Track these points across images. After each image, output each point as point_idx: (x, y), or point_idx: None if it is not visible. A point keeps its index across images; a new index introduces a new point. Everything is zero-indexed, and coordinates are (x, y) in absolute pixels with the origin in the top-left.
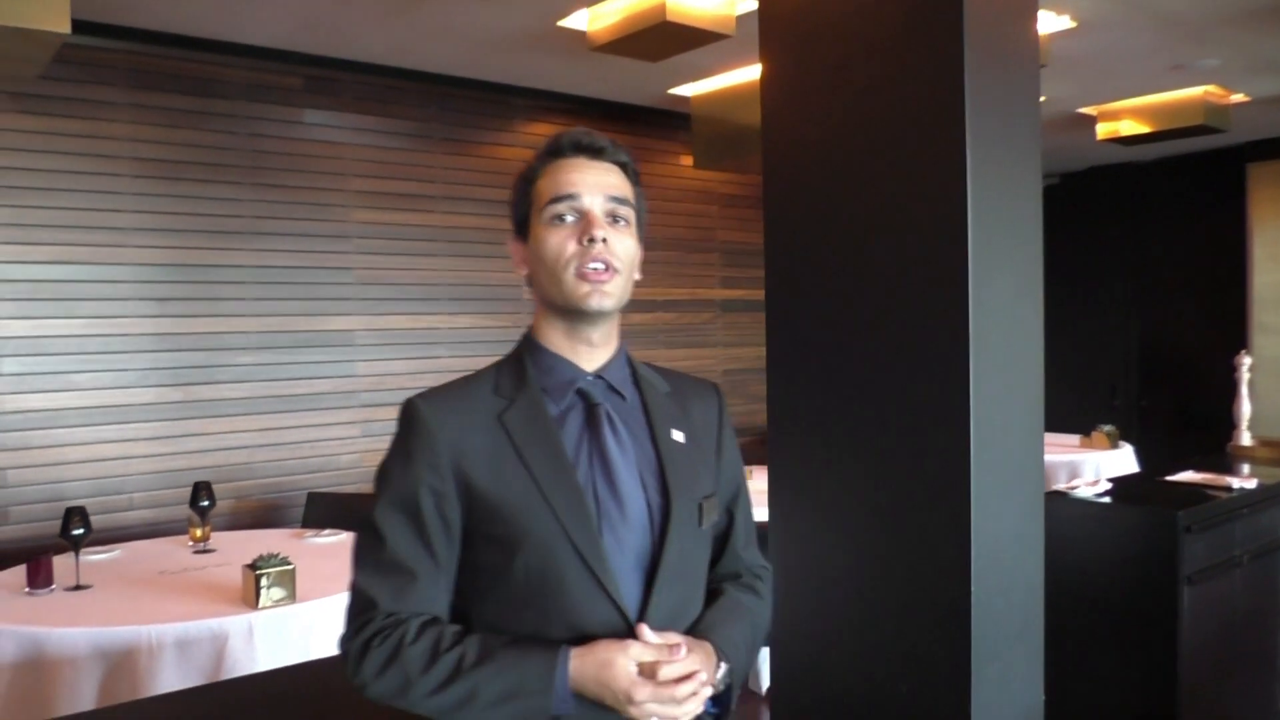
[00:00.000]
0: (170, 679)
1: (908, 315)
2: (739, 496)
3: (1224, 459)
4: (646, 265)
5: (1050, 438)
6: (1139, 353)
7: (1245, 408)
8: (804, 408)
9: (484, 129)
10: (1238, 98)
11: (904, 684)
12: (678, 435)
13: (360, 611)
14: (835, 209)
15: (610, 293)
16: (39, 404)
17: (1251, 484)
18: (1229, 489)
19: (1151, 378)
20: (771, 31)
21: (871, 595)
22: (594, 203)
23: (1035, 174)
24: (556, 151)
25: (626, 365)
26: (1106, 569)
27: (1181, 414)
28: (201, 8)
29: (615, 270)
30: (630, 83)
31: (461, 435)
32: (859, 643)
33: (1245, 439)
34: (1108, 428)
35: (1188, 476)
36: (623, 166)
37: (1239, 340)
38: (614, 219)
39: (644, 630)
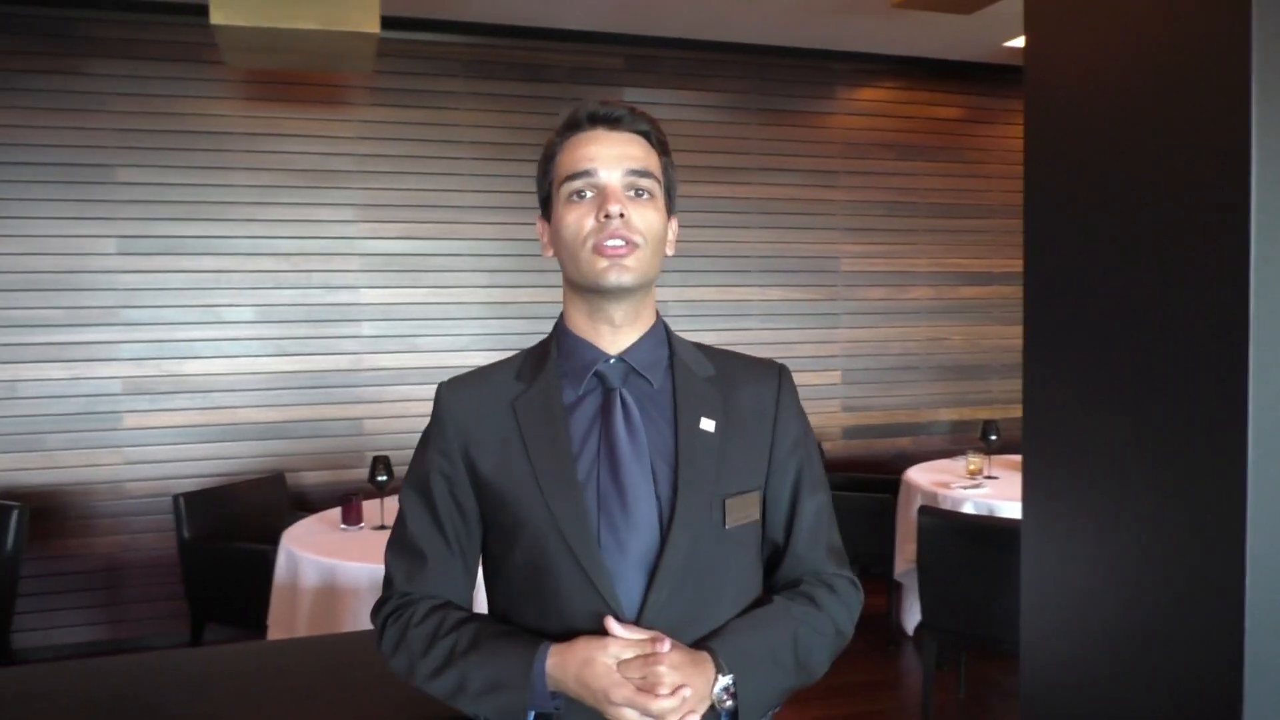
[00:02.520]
0: None
1: (1179, 301)
2: (802, 492)
3: None
4: (982, 236)
5: None
6: None
7: None
8: (1062, 401)
9: (803, 97)
10: None
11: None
12: (707, 424)
13: (385, 587)
14: (1103, 179)
15: (630, 268)
16: (389, 363)
17: None
18: None
19: None
20: None
21: (1129, 617)
22: (611, 177)
23: None
24: (574, 125)
25: (662, 346)
26: None
27: None
28: None
29: (635, 245)
30: (959, 38)
31: (474, 421)
32: (1114, 669)
33: None
34: None
35: None
36: (644, 135)
37: None
38: (635, 191)
39: (612, 623)
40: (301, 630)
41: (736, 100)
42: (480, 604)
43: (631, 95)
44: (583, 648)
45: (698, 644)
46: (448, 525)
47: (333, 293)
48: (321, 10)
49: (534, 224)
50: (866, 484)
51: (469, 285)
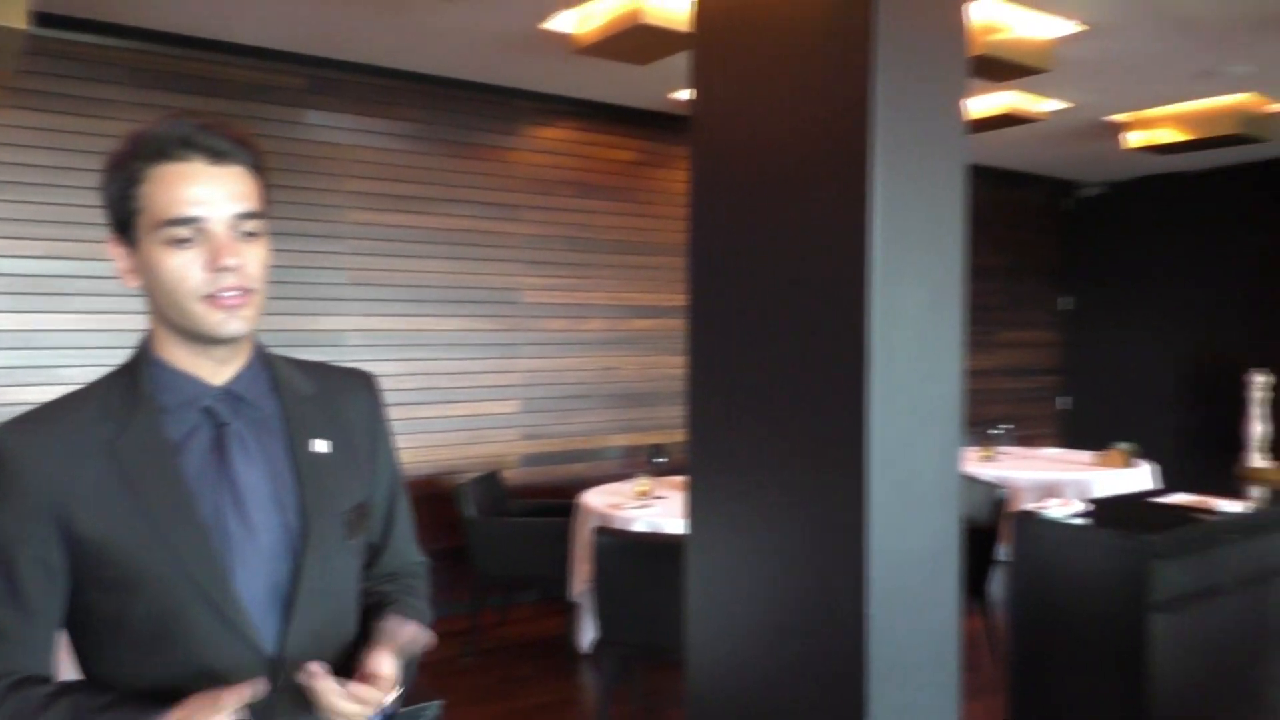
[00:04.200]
0: None
1: (812, 329)
2: (398, 493)
3: (1231, 481)
4: (653, 272)
5: (1061, 453)
6: (1186, 367)
7: (1256, 429)
8: (719, 426)
9: (488, 131)
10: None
11: (803, 706)
12: (321, 445)
13: None
14: (752, 221)
15: (248, 317)
16: (29, 396)
17: (1243, 508)
18: (1215, 513)
19: (1198, 393)
20: (705, 34)
21: (776, 613)
22: (221, 224)
23: (957, 186)
24: (164, 153)
25: (264, 369)
26: (1076, 594)
27: (1223, 432)
28: (204, 8)
29: (252, 292)
30: (634, 87)
31: (61, 471)
32: (764, 662)
33: (1256, 460)
34: (1124, 445)
35: (1178, 499)
36: (248, 166)
37: None
38: (245, 234)
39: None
40: None
41: (421, 130)
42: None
43: (313, 118)
44: (195, 709)
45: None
46: (32, 591)
47: None
48: None
49: None
50: (544, 509)
51: (123, 310)
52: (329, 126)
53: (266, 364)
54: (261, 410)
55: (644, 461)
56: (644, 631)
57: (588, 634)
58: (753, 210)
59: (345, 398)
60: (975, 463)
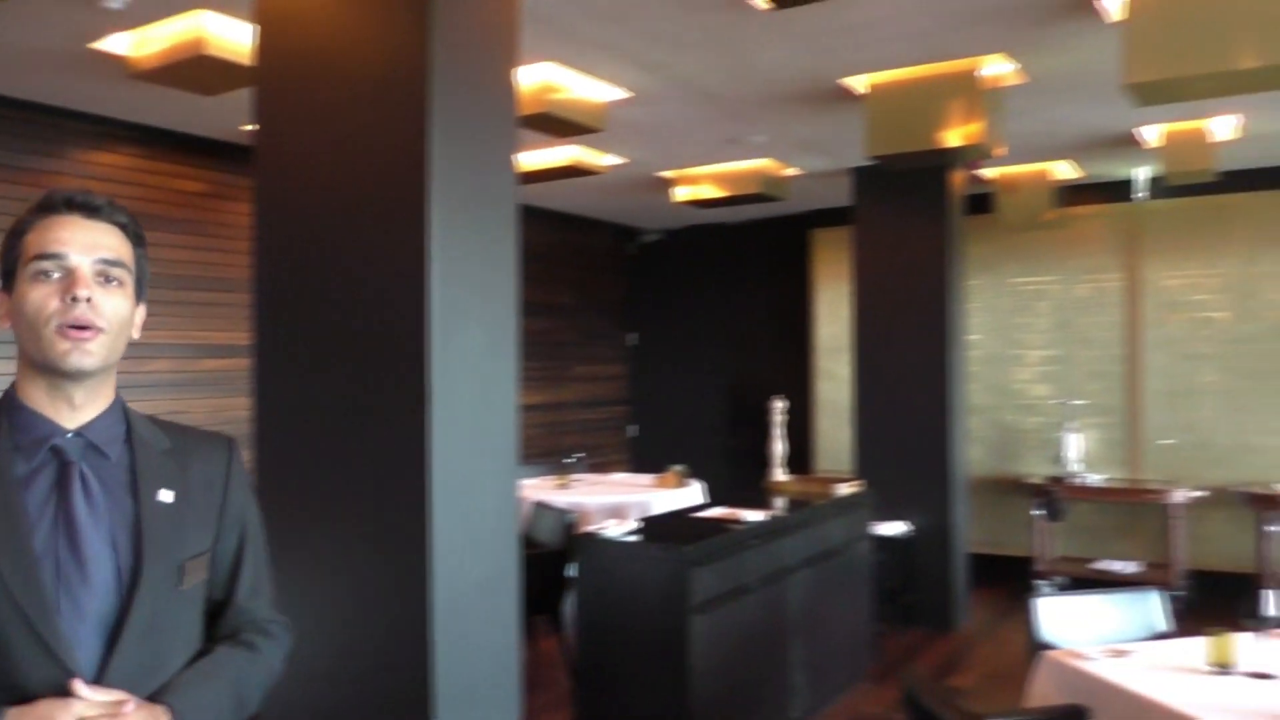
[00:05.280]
0: None
1: (375, 371)
2: (245, 551)
3: (760, 494)
4: (225, 309)
5: (627, 478)
6: (730, 395)
7: (778, 447)
8: (290, 465)
9: (27, 153)
10: (791, 171)
11: None
12: (166, 495)
13: None
14: (317, 261)
15: (93, 352)
16: None
17: (765, 517)
18: (742, 522)
19: (739, 418)
20: (267, 73)
21: (348, 652)
22: (82, 262)
23: (509, 233)
24: (49, 207)
25: (121, 422)
26: (631, 605)
27: (757, 451)
28: None
29: (100, 330)
30: (202, 116)
31: None
32: (339, 702)
33: (778, 475)
34: (678, 467)
35: (715, 512)
36: (122, 227)
37: (808, 385)
38: (105, 279)
39: (78, 685)
40: None
41: None
42: None
43: None
44: (43, 709)
45: (153, 698)
46: None
47: None
48: None
49: None
50: None
51: None
52: None
53: (124, 417)
54: (109, 457)
55: None
56: None
57: None
58: (317, 250)
59: (198, 456)
60: (550, 490)
